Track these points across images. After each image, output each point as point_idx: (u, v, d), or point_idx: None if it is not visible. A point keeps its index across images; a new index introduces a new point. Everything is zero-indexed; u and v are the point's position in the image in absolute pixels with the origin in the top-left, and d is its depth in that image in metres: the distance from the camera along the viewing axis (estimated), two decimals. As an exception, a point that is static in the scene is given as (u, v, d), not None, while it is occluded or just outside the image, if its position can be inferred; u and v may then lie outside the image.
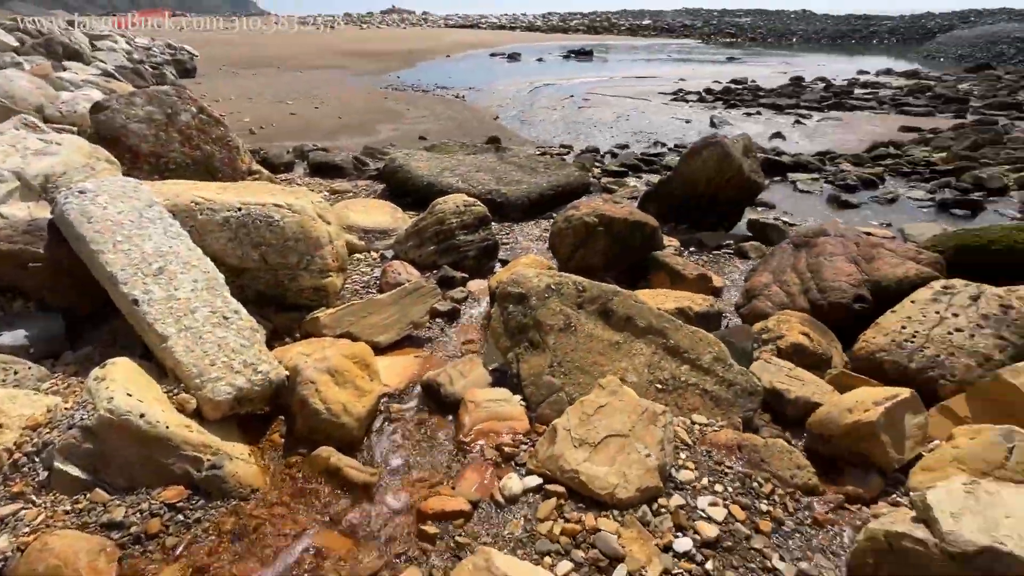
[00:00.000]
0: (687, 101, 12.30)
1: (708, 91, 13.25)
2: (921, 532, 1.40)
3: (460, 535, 1.65)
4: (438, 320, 3.00)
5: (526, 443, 2.02)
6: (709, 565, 1.54)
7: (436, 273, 3.40)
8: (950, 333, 2.36)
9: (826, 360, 2.59)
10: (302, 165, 6.06)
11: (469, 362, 2.45)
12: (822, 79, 15.32)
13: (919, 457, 1.89)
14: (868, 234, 3.59)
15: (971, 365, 2.23)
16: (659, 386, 2.24)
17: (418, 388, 2.39)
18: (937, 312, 2.48)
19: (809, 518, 1.72)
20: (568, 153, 7.57)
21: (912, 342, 2.40)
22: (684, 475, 1.84)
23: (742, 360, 2.46)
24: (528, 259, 3.40)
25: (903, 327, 2.47)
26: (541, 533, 1.64)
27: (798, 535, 1.65)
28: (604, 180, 5.92)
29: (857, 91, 13.37)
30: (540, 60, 21.98)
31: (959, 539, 1.32)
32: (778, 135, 8.96)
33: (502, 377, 2.41)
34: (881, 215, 5.29)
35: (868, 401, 1.91)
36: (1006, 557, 1.25)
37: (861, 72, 17.48)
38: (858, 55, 26.21)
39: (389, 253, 3.69)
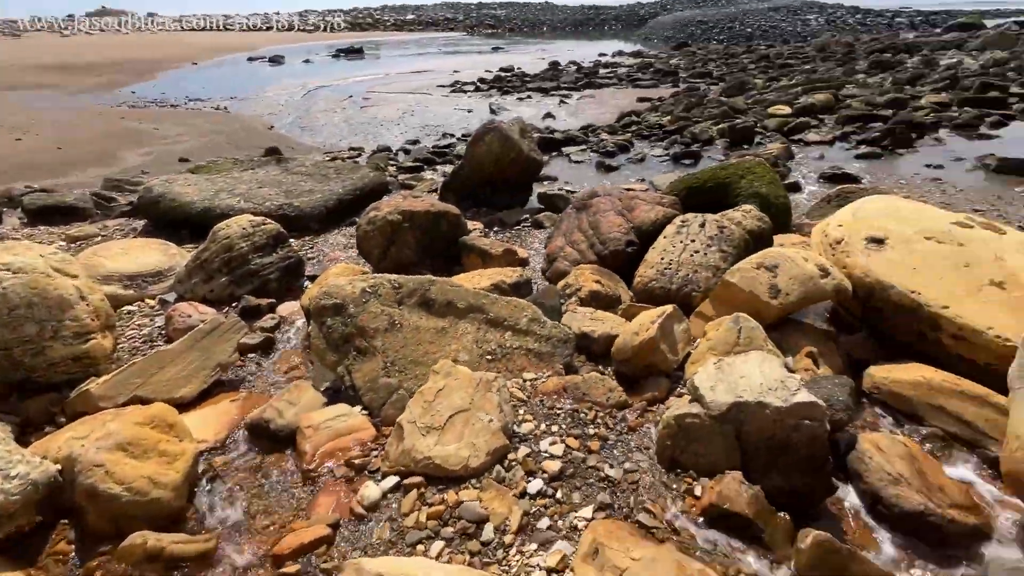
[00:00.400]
0: (465, 92, 12.92)
1: (482, 80, 14.11)
2: (696, 408, 1.82)
3: (325, 561, 1.59)
4: (251, 355, 2.72)
5: (376, 449, 2.01)
6: (559, 494, 1.76)
7: (236, 306, 3.06)
8: (692, 255, 3.03)
9: (616, 299, 3.08)
10: (15, 214, 4.77)
11: (296, 389, 2.30)
12: (574, 63, 17.52)
13: (688, 355, 2.40)
14: (629, 190, 4.32)
15: (708, 276, 2.90)
16: (489, 357, 2.41)
17: (244, 432, 2.17)
18: (681, 241, 3.14)
19: (625, 427, 2.07)
20: (360, 155, 7.37)
21: (670, 268, 3.01)
22: (525, 427, 2.04)
23: (553, 315, 2.79)
24: (339, 268, 3.27)
25: (661, 258, 3.07)
26: (409, 526, 1.66)
27: (620, 444, 1.98)
28: (402, 177, 5.94)
29: (601, 71, 15.66)
30: (307, 61, 20.66)
31: (716, 403, 1.75)
32: (549, 115, 10.05)
33: (337, 393, 2.32)
34: (637, 172, 6.38)
35: (647, 322, 2.36)
36: (744, 406, 1.70)
37: (601, 55, 20.46)
38: (596, 40, 30.61)
39: (170, 296, 3.18)
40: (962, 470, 1.85)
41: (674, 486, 1.77)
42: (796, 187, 5.41)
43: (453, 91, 12.99)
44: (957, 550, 1.58)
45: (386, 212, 3.51)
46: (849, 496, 1.74)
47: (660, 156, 6.84)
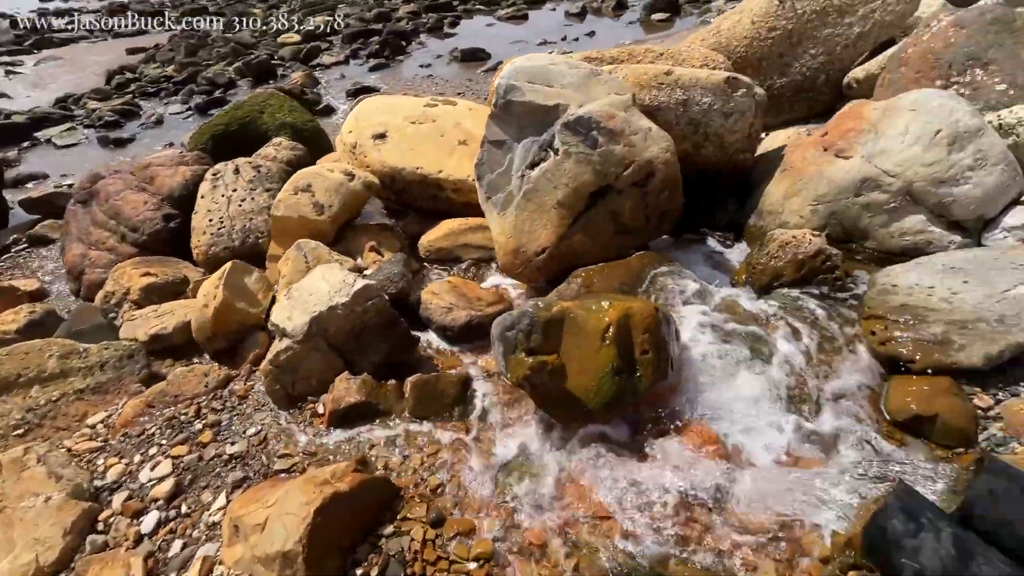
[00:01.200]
0: None
1: None
2: (285, 342, 1.84)
3: None
4: None
5: None
6: (184, 507, 1.56)
7: None
8: (240, 205, 2.85)
9: (182, 281, 2.68)
10: None
11: None
12: (2, 15, 12.56)
13: (274, 300, 2.37)
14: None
15: (265, 219, 2.81)
16: (19, 431, 1.79)
17: None
18: (223, 195, 2.90)
19: (236, 400, 1.94)
20: None
21: (224, 226, 2.77)
22: (113, 472, 1.66)
23: (103, 335, 2.25)
24: None
25: (210, 220, 2.79)
26: None
27: (236, 417, 1.86)
28: None
29: (56, 22, 11.82)
30: None
31: (296, 328, 1.81)
32: (-5, 95, 7.14)
33: None
34: (161, 138, 5.38)
35: (211, 289, 2.16)
36: (319, 317, 1.81)
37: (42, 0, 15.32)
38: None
39: None
40: (491, 280, 2.54)
41: (300, 418, 1.81)
42: (331, 109, 5.68)
43: None
44: (500, 331, 2.21)
45: None
46: (431, 337, 2.17)
47: (181, 112, 5.93)
